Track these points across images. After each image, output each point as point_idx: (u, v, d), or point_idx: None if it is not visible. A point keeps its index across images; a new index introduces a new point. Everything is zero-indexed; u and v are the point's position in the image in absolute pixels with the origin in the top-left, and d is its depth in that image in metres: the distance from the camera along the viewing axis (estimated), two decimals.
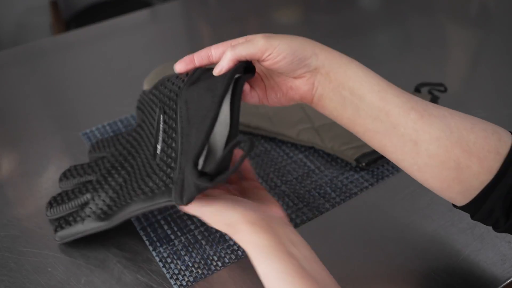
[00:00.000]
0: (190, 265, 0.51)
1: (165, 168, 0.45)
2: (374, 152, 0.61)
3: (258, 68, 0.48)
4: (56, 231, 0.52)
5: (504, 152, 0.40)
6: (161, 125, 0.48)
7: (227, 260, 0.52)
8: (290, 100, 0.47)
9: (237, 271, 0.51)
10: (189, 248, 0.53)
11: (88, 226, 0.51)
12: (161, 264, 0.51)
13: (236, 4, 0.98)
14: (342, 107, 0.44)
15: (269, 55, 0.43)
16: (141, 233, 0.54)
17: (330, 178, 0.61)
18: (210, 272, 0.51)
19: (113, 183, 0.52)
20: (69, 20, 1.71)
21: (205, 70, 0.47)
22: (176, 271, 0.51)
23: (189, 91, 0.46)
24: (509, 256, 0.51)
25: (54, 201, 0.55)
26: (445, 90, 0.68)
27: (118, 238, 0.54)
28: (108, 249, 0.53)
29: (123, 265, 0.52)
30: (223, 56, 0.44)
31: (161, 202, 0.45)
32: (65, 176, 0.58)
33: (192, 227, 0.55)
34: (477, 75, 0.79)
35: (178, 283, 0.50)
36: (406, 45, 0.86)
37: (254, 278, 0.49)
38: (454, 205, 0.44)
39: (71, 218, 0.52)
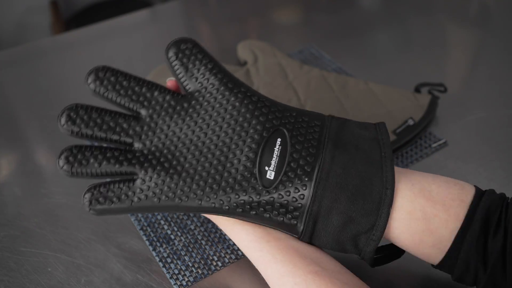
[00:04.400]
0: (190, 265, 0.51)
1: (280, 198, 0.41)
2: None
3: None
4: (91, 203, 0.42)
5: (468, 199, 0.41)
6: (275, 149, 0.42)
7: (227, 260, 0.52)
8: None
9: (237, 271, 0.51)
10: (189, 248, 0.53)
11: (139, 207, 0.43)
12: (161, 264, 0.51)
13: (236, 4, 0.98)
14: None
15: None
16: (141, 233, 0.54)
17: None
18: (210, 272, 0.51)
19: (188, 171, 0.42)
20: (69, 20, 1.71)
21: (343, 123, 0.44)
22: (176, 271, 0.51)
23: (338, 151, 0.42)
24: None
25: (74, 159, 0.43)
26: (445, 90, 0.68)
27: (118, 238, 0.54)
28: (108, 249, 0.53)
29: (123, 265, 0.52)
30: None
31: (273, 226, 0.43)
32: (72, 120, 0.44)
33: (192, 227, 0.55)
34: (477, 75, 0.79)
35: (178, 283, 0.50)
36: (406, 45, 0.86)
37: (254, 278, 0.50)
38: (433, 265, 0.44)
39: (111, 194, 0.42)
